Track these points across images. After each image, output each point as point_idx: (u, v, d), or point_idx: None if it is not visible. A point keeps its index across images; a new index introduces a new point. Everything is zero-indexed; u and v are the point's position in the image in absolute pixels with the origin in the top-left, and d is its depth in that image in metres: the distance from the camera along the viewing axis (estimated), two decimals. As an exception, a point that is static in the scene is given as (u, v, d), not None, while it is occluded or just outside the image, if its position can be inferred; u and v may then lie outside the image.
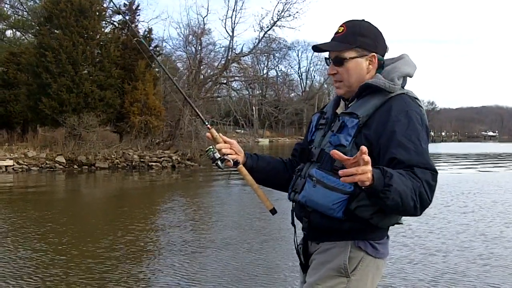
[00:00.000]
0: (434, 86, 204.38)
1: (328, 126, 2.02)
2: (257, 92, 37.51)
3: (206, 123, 2.27)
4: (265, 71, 51.85)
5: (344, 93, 2.00)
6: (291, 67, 72.33)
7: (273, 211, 2.13)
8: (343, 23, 1.98)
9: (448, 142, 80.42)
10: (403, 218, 1.96)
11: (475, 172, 21.01)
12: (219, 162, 2.13)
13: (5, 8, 29.23)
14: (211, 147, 2.16)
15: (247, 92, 36.21)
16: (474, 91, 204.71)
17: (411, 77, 2.00)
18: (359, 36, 1.94)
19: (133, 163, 21.57)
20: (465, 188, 14.10)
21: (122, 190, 15.16)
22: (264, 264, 5.94)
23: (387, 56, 2.04)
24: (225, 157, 2.14)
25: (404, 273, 5.56)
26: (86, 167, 20.46)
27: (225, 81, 28.69)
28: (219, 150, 2.14)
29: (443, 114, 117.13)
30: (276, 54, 36.96)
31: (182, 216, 9.57)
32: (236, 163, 2.15)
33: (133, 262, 6.04)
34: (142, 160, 21.90)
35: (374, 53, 1.97)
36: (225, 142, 2.18)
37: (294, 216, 2.10)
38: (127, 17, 25.63)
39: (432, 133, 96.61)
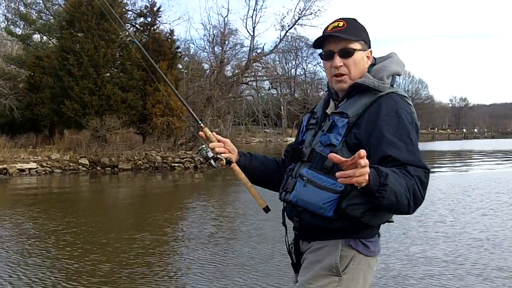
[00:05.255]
0: (466, 82, 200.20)
1: (318, 126, 2.04)
2: (285, 91, 37.20)
3: (199, 122, 2.29)
4: (292, 70, 51.35)
5: (347, 88, 1.98)
6: (320, 65, 71.74)
7: (267, 209, 2.17)
8: (340, 19, 2.00)
9: (481, 139, 78.32)
10: (394, 216, 1.96)
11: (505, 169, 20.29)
12: (212, 161, 2.16)
13: (32, 15, 29.76)
14: (204, 146, 2.18)
15: (275, 92, 36.04)
16: (508, 86, 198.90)
17: (399, 75, 2.04)
18: (360, 31, 1.99)
19: (156, 164, 21.61)
20: (496, 186, 13.56)
21: (145, 191, 15.11)
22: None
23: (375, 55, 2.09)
24: (218, 156, 2.17)
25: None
26: (109, 168, 20.59)
27: (247, 81, 28.54)
28: (213, 149, 2.18)
29: (476, 110, 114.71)
30: (303, 53, 36.63)
31: (205, 219, 9.43)
32: (229, 162, 2.18)
33: (157, 264, 5.93)
34: (164, 161, 21.94)
35: (371, 49, 2.02)
36: (218, 141, 2.22)
37: (285, 216, 2.11)
38: (148, 19, 25.74)
39: (464, 130, 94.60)
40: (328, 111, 2.07)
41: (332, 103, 2.09)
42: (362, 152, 1.46)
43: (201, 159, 2.34)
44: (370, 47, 2.02)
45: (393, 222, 1.99)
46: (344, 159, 1.52)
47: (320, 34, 2.04)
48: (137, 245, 6.95)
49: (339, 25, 1.97)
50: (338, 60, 1.96)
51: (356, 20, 2.03)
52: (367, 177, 1.52)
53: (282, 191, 2.09)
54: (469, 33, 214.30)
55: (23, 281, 5.27)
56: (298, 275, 2.04)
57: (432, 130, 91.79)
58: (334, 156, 1.53)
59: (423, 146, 41.60)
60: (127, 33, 25.18)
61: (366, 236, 1.93)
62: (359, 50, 1.96)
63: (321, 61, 2.11)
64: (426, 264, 5.80)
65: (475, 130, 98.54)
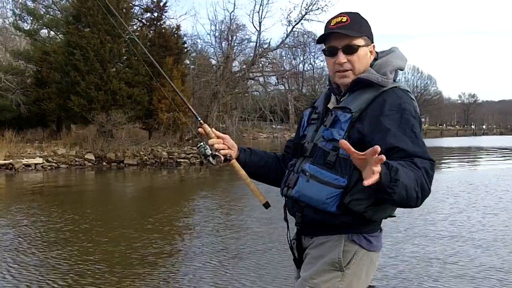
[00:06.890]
0: (475, 78, 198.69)
1: (320, 120, 2.03)
2: (292, 87, 37.04)
3: (199, 119, 2.25)
4: (300, 66, 51.14)
5: (350, 83, 1.97)
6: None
7: (266, 205, 2.17)
8: (343, 13, 1.98)
9: (490, 135, 77.80)
10: (396, 210, 1.96)
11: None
12: (210, 158, 2.13)
13: (40, 10, 29.77)
14: (202, 143, 2.16)
15: (282, 87, 35.86)
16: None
17: (402, 70, 2.03)
18: (363, 26, 1.97)
19: (162, 160, 21.60)
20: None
21: (150, 187, 15.10)
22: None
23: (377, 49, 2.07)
24: (217, 153, 2.14)
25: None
26: (115, 164, 20.62)
27: (254, 77, 28.42)
28: (212, 146, 2.16)
29: (485, 106, 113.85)
30: (311, 49, 36.42)
31: (209, 217, 9.37)
32: (227, 159, 2.16)
33: (159, 264, 5.88)
34: (170, 156, 21.92)
35: (373, 44, 2.01)
36: (218, 137, 2.20)
37: (287, 211, 2.11)
38: (155, 14, 25.69)
39: (473, 126, 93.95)
40: (330, 106, 2.05)
41: (333, 98, 2.07)
42: (377, 148, 1.45)
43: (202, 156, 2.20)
44: (373, 42, 2.01)
45: (395, 216, 1.99)
46: (353, 149, 1.51)
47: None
48: (138, 244, 6.87)
49: (343, 20, 1.95)
50: (342, 57, 1.94)
51: (359, 15, 2.00)
52: (379, 174, 1.52)
53: (284, 186, 2.07)
54: (479, 29, 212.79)
55: (6, 280, 5.18)
56: (300, 271, 2.04)
57: (440, 126, 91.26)
58: (345, 143, 1.53)
59: (431, 142, 41.34)
60: (133, 28, 25.17)
61: (369, 231, 1.93)
62: (363, 46, 1.95)
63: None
64: (431, 264, 5.70)
65: (484, 126, 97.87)
